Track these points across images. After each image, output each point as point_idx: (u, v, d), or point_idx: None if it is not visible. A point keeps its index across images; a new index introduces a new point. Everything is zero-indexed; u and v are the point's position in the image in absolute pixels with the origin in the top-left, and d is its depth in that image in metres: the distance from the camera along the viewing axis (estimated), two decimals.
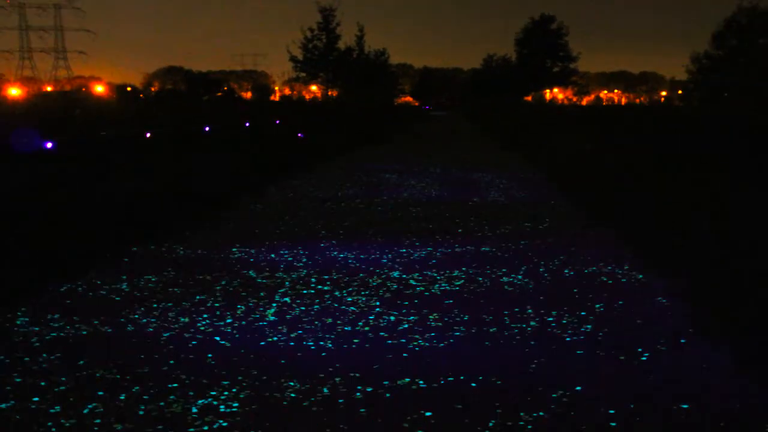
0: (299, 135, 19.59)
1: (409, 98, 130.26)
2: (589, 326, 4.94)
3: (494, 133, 32.42)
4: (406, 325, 4.96)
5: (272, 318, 5.11)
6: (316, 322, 5.01)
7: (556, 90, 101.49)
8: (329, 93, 57.50)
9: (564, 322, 5.04)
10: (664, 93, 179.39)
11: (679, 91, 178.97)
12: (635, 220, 8.69)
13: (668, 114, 25.78)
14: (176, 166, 12.75)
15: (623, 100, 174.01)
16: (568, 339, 4.70)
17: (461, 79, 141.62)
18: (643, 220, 8.61)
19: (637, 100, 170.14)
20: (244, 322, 5.00)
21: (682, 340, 4.67)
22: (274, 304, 5.44)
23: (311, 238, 8.05)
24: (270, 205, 10.55)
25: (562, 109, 41.34)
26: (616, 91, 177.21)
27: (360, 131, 26.02)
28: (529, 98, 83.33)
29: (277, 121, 21.51)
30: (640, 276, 6.35)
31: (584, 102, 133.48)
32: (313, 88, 78.93)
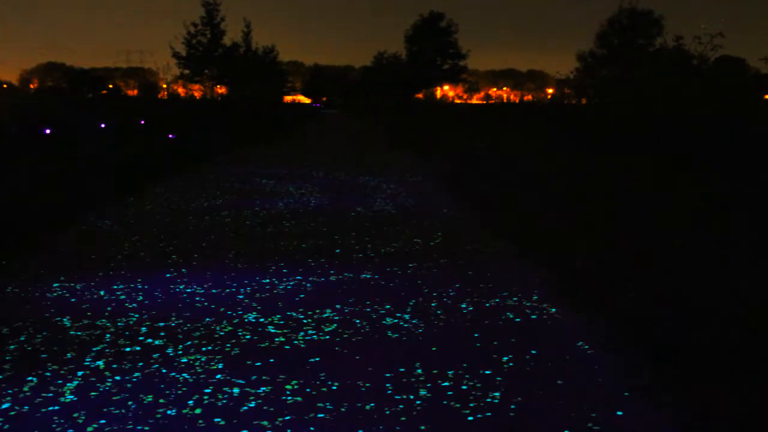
0: (170, 136, 17.88)
1: (300, 96, 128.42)
2: (496, 394, 3.74)
3: (384, 132, 31.39)
4: (252, 404, 3.64)
5: (69, 398, 3.70)
6: (131, 403, 3.63)
7: (446, 87, 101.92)
8: (216, 91, 55.27)
9: (464, 388, 3.82)
10: (551, 90, 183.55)
11: (566, 90, 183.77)
12: (540, 232, 7.62)
13: (560, 110, 25.13)
14: None
15: (512, 97, 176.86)
16: (470, 417, 3.49)
17: (353, 76, 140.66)
18: (549, 231, 7.55)
19: (526, 98, 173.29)
20: (26, 407, 3.56)
21: (618, 412, 3.53)
22: (81, 373, 4.01)
23: (158, 265, 6.60)
24: (120, 221, 8.97)
25: (453, 106, 40.59)
26: (504, 88, 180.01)
27: (243, 131, 24.44)
28: (421, 96, 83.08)
29: (141, 121, 19.61)
30: (553, 310, 5.22)
31: (474, 99, 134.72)
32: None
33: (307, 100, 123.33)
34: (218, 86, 58.23)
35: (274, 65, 69.45)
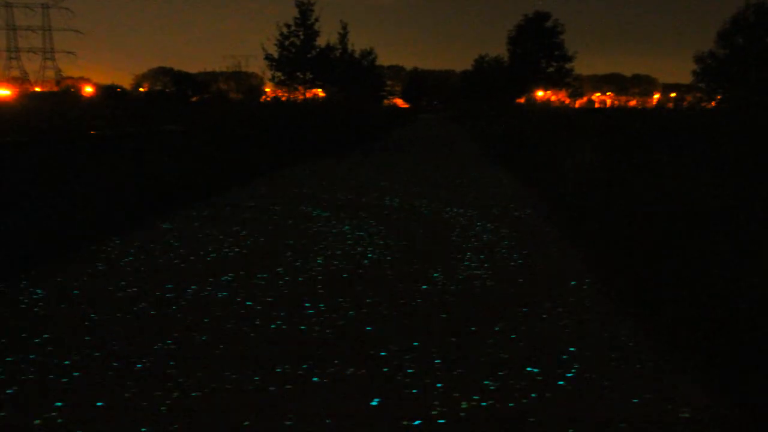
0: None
1: (398, 100, 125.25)
2: None
3: (483, 141, 27.32)
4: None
5: None
6: None
7: (548, 92, 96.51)
8: (307, 94, 52.19)
9: None
10: (657, 96, 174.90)
11: (672, 94, 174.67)
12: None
13: (700, 118, 20.46)
14: None
15: (616, 103, 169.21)
16: None
17: (453, 81, 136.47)
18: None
19: (630, 103, 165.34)
20: None
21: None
22: None
23: None
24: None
25: (564, 113, 36.01)
26: (608, 93, 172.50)
27: (317, 139, 20.92)
28: (522, 100, 78.34)
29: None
30: None
31: (577, 105, 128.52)
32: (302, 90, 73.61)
33: (405, 105, 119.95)
34: (313, 89, 55.22)
35: (372, 68, 66.34)
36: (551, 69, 61.38)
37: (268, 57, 49.15)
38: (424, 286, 5.86)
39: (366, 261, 6.80)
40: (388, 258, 6.93)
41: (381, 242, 7.71)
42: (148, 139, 12.19)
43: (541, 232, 8.38)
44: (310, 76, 50.34)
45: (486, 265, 6.63)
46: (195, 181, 11.19)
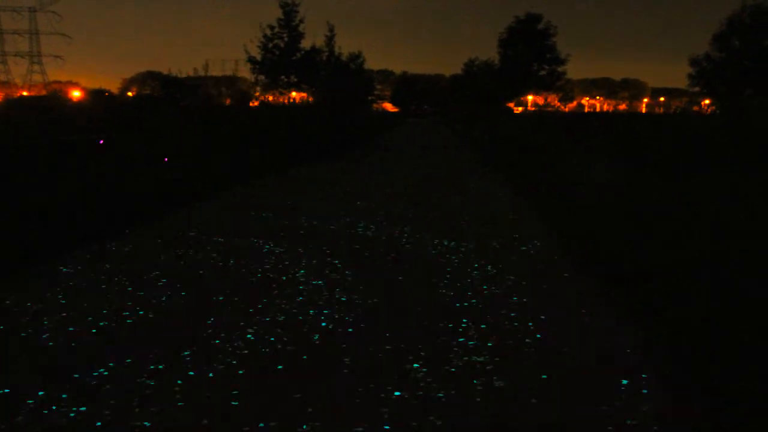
0: (165, 160, 12.31)
1: (387, 104, 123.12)
2: None
3: (476, 147, 25.20)
4: None
5: None
6: None
7: (537, 96, 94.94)
8: (292, 98, 49.92)
9: None
10: (646, 100, 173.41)
11: (661, 98, 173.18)
12: None
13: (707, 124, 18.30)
14: None
15: (605, 107, 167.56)
16: None
17: (443, 85, 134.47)
18: None
19: (620, 107, 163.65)
20: None
21: None
22: None
23: None
24: None
25: (563, 119, 33.78)
26: (598, 97, 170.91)
27: (302, 146, 18.81)
28: (511, 105, 76.38)
29: (101, 141, 13.96)
30: None
31: (566, 108, 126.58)
32: (293, 94, 71.18)
33: (395, 109, 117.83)
34: (298, 93, 52.97)
35: (360, 72, 64.23)
36: (543, 72, 59.31)
37: (251, 59, 46.91)
38: (396, 393, 3.71)
39: (316, 337, 4.64)
40: (349, 330, 4.78)
41: (343, 298, 5.56)
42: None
43: (559, 276, 6.25)
44: (295, 79, 48.18)
45: (489, 344, 4.49)
46: (119, 205, 8.99)
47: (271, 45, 46.87)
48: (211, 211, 9.97)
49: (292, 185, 13.27)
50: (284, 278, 6.21)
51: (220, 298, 5.55)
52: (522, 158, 15.33)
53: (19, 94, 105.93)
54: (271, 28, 46.83)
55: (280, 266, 6.65)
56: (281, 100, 56.16)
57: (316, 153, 19.25)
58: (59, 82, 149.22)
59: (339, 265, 6.69)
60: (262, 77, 47.41)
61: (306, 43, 48.26)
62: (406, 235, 8.29)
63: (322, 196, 11.68)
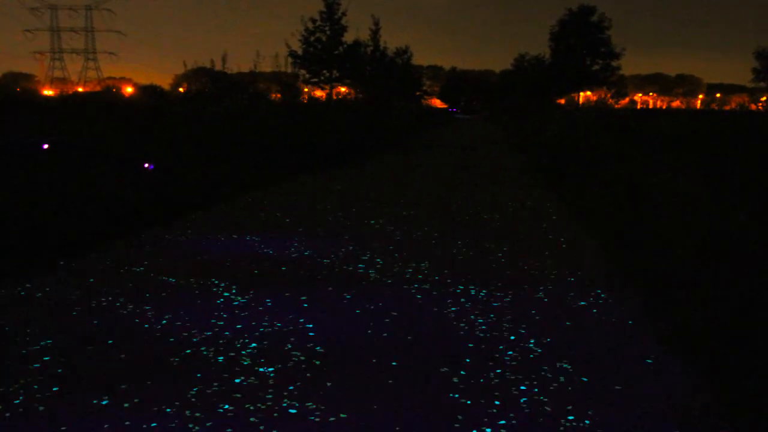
0: (147, 166, 10.27)
1: (436, 100, 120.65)
2: None
3: (525, 150, 22.74)
4: None
5: None
6: None
7: (589, 93, 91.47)
8: (334, 93, 47.83)
9: None
10: (701, 96, 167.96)
11: (717, 94, 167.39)
12: None
13: None
14: None
15: (658, 104, 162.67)
16: None
17: (492, 80, 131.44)
18: None
19: (673, 104, 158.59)
20: None
21: None
22: None
23: None
24: None
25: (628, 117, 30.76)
26: (651, 94, 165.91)
27: (330, 147, 16.73)
28: (563, 101, 73.31)
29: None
30: None
31: (618, 105, 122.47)
32: (343, 89, 69.35)
33: (443, 105, 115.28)
34: (342, 88, 50.87)
35: (407, 67, 62.05)
36: (596, 67, 56.21)
37: (292, 54, 44.94)
38: None
39: None
40: None
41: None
42: None
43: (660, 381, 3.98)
44: (337, 74, 46.12)
45: None
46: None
47: (312, 39, 44.90)
48: (170, 241, 7.86)
49: (291, 197, 11.12)
50: (220, 360, 4.05)
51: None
52: (582, 165, 12.90)
53: (74, 90, 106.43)
54: (313, 21, 44.87)
55: (226, 335, 4.49)
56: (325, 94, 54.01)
57: (345, 155, 17.08)
58: (113, 78, 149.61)
59: (312, 347, 4.50)
60: (303, 72, 45.40)
61: (350, 38, 46.29)
62: (420, 276, 6.07)
63: (325, 213, 9.51)
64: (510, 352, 4.23)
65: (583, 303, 5.28)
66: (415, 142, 28.56)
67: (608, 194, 9.54)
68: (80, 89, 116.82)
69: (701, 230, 6.79)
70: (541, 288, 5.68)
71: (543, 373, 3.91)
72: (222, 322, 4.73)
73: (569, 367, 4.00)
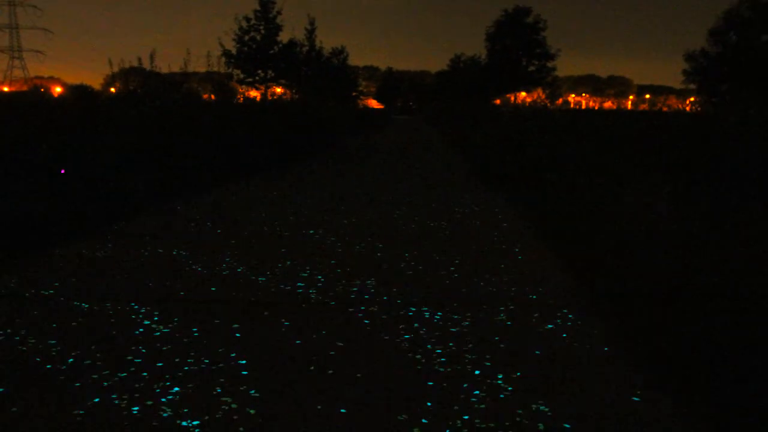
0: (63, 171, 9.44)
1: (372, 101, 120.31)
2: None
3: (466, 151, 22.32)
4: None
5: None
6: None
7: (523, 93, 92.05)
8: (268, 93, 46.86)
9: None
10: (631, 97, 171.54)
11: (647, 95, 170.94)
12: None
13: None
14: None
15: (590, 104, 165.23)
16: None
17: (428, 81, 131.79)
18: None
19: (605, 105, 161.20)
20: None
21: None
22: None
23: None
24: None
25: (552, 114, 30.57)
26: (584, 94, 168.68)
27: (256, 151, 15.94)
28: (498, 102, 73.63)
29: None
30: None
31: (551, 106, 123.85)
32: (278, 90, 67.99)
33: (380, 105, 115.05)
34: (280, 89, 49.87)
35: (343, 68, 61.42)
36: (532, 68, 56.44)
37: (226, 53, 43.94)
38: None
39: None
40: None
41: None
42: None
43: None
44: (272, 74, 45.27)
45: None
46: None
47: (246, 38, 44.05)
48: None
49: (190, 223, 10.39)
50: (135, 411, 3.36)
51: None
52: (531, 169, 12.45)
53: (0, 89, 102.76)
54: (247, 20, 44.06)
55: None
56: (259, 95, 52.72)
57: (274, 160, 16.33)
58: (41, 78, 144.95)
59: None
60: (237, 71, 44.42)
61: (285, 38, 45.51)
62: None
63: (222, 250, 8.83)
64: (477, 392, 3.65)
65: (550, 326, 4.73)
66: (354, 144, 27.94)
67: (562, 199, 9.08)
68: (5, 89, 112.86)
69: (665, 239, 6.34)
70: (501, 308, 5.12)
71: (518, 419, 3.34)
72: (140, 360, 4.04)
73: (546, 409, 3.44)
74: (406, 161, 19.76)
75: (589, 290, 5.56)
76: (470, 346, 4.33)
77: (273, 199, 10.92)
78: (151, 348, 4.23)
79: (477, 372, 3.91)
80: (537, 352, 4.24)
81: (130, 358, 4.06)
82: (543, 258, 6.85)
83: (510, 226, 8.79)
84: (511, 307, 5.16)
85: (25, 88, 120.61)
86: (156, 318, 4.79)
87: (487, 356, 4.15)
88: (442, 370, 3.95)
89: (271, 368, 3.93)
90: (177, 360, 4.04)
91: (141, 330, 4.55)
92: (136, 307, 5.04)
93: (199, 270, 6.18)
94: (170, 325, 4.64)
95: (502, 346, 4.33)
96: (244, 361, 4.03)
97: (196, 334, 4.49)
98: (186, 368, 3.92)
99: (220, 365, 3.97)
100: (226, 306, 5.10)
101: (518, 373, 3.89)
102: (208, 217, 9.08)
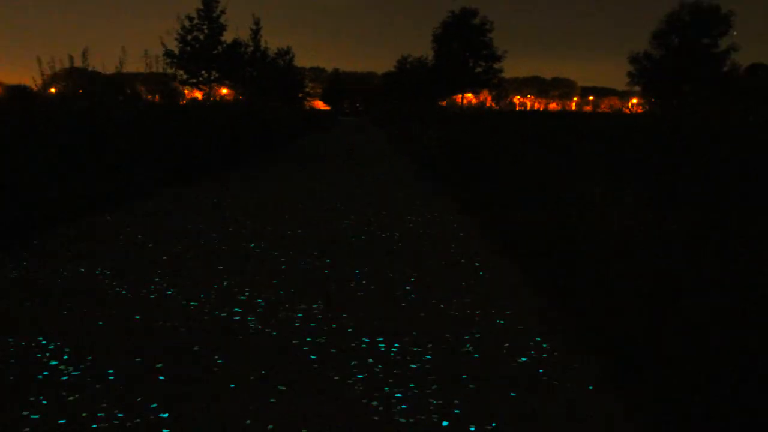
0: None
1: (319, 102, 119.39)
2: None
3: (416, 155, 21.73)
4: None
5: None
6: None
7: (469, 95, 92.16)
8: (212, 95, 45.68)
9: None
10: (575, 99, 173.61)
11: (590, 97, 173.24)
12: None
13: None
14: None
15: (536, 105, 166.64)
16: None
17: (375, 83, 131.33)
18: None
19: (550, 106, 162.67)
20: None
21: None
22: None
23: None
24: None
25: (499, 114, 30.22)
26: (529, 96, 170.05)
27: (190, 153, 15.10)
28: (444, 103, 73.54)
29: None
30: None
31: (498, 107, 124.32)
32: (224, 91, 66.63)
33: (326, 107, 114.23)
34: (224, 90, 48.72)
35: (289, 68, 60.61)
36: (479, 69, 56.22)
37: (168, 53, 42.61)
38: None
39: None
40: None
41: None
42: None
43: None
44: (216, 74, 44.15)
45: None
46: None
47: (190, 37, 42.83)
48: None
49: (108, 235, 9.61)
50: None
51: None
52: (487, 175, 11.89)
53: None
54: (190, 19, 42.82)
55: None
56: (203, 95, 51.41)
57: (207, 165, 15.48)
58: None
59: None
60: (180, 72, 43.17)
61: (230, 38, 44.46)
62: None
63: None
64: None
65: (524, 359, 4.13)
66: (298, 146, 27.20)
67: (519, 206, 8.53)
68: None
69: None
70: (466, 337, 4.51)
71: None
72: (37, 416, 3.31)
73: None
74: (353, 163, 19.11)
75: (563, 313, 4.99)
76: (434, 387, 3.69)
77: (211, 206, 10.16)
78: (55, 398, 3.50)
79: (445, 424, 3.28)
80: (512, 394, 3.62)
81: (25, 413, 3.33)
82: (508, 274, 6.27)
83: (466, 235, 8.21)
84: (477, 335, 4.55)
85: None
86: (65, 357, 4.05)
87: (456, 402, 3.52)
88: (403, 421, 3.30)
89: (197, 427, 3.25)
90: (84, 415, 3.32)
91: (45, 374, 3.81)
92: (44, 342, 4.29)
93: (123, 293, 5.44)
94: (81, 367, 3.91)
95: (471, 387, 3.71)
96: (165, 414, 3.34)
97: (111, 378, 3.78)
98: (94, 426, 3.21)
99: (137, 420, 3.27)
100: (149, 341, 4.38)
101: (493, 424, 3.28)
102: (140, 228, 8.30)
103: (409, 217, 9.50)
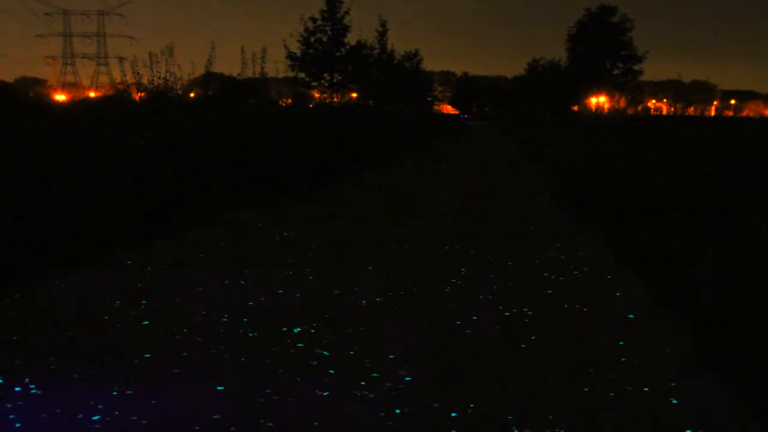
0: None
1: (447, 106, 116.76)
2: None
3: (559, 178, 18.36)
4: None
5: None
6: None
7: (603, 99, 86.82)
8: (334, 99, 43.69)
9: None
10: (715, 103, 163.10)
11: (732, 101, 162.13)
12: None
13: None
14: None
15: (671, 110, 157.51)
16: None
17: (504, 87, 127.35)
18: None
19: (688, 111, 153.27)
20: None
21: None
22: None
23: None
24: None
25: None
26: (665, 100, 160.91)
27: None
28: (576, 108, 69.11)
29: None
30: None
31: (630, 112, 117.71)
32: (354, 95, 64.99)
33: (455, 111, 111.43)
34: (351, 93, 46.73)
35: (417, 72, 57.97)
36: (617, 71, 51.61)
37: (291, 56, 40.90)
38: None
39: None
40: None
41: None
42: None
43: None
44: (339, 77, 42.07)
45: None
46: None
47: (312, 39, 40.91)
48: None
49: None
50: None
51: None
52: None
53: (86, 95, 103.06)
54: (313, 20, 40.87)
55: None
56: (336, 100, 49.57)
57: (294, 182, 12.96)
58: (125, 83, 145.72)
59: None
60: (302, 75, 41.32)
61: (354, 40, 42.27)
62: None
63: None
64: None
65: None
66: (411, 159, 24.20)
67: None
68: (92, 94, 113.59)
69: None
70: None
71: None
72: None
73: None
74: (467, 198, 16.18)
75: None
76: None
77: (265, 250, 7.56)
78: None
79: None
80: None
81: None
82: None
83: (645, 321, 5.22)
84: None
85: (110, 93, 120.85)
86: None
87: None
88: None
89: None
90: None
91: None
92: None
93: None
94: None
95: None
96: None
97: None
98: None
99: None
100: None
101: None
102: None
103: (545, 274, 6.57)
